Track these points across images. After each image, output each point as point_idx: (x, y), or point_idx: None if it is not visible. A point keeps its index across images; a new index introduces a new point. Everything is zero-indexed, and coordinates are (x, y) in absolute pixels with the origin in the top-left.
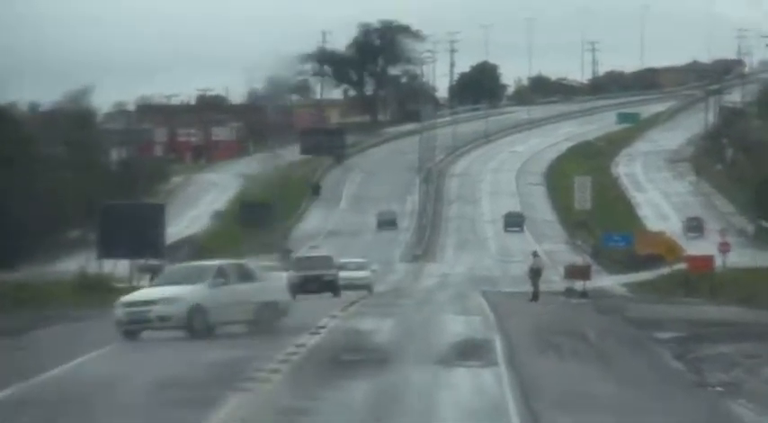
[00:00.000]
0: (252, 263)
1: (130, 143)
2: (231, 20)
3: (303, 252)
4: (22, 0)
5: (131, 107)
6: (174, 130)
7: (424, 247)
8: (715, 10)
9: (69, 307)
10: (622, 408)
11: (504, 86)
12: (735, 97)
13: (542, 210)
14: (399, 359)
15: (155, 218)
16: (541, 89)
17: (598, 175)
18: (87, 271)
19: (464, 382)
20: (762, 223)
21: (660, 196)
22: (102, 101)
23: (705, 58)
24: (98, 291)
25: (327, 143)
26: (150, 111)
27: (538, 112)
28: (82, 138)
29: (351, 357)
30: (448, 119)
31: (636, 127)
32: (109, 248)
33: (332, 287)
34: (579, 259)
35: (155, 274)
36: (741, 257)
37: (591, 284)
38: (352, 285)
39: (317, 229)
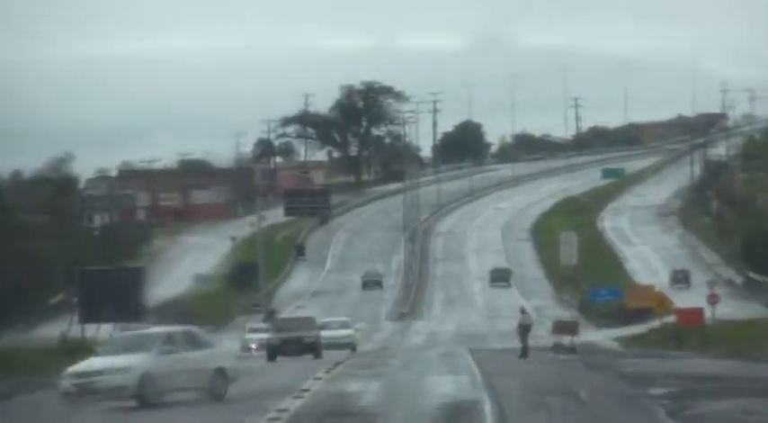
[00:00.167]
0: (198, 330)
1: (113, 208)
2: (212, 83)
3: (289, 312)
4: (2, 70)
5: (113, 172)
6: (156, 194)
7: (410, 305)
8: (697, 65)
9: (51, 372)
10: None
11: (488, 144)
12: (719, 150)
13: (529, 266)
14: None
15: (135, 281)
16: (525, 146)
17: (584, 230)
18: (68, 335)
19: None
20: (749, 274)
21: (649, 250)
22: (85, 167)
23: (689, 111)
24: (80, 355)
25: (312, 204)
26: (132, 176)
27: (522, 169)
28: (64, 204)
29: None
30: (432, 178)
31: (621, 182)
32: (90, 313)
33: (312, 349)
34: (567, 314)
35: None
36: (730, 308)
37: (579, 339)
38: (336, 344)
39: (303, 290)
